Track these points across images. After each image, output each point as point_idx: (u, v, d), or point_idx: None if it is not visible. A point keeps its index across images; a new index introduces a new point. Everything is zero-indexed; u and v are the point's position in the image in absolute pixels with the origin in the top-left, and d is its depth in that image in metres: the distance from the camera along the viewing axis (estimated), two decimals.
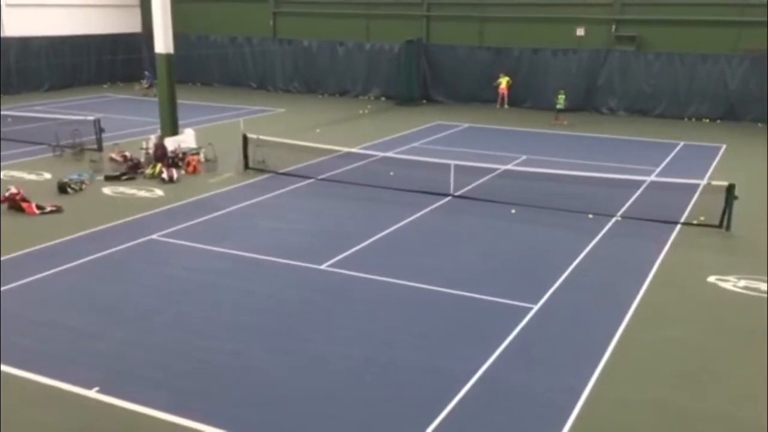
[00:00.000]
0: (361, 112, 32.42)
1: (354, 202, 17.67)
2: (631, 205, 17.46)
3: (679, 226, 15.99)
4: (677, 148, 25.08)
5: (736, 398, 9.18)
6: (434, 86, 35.59)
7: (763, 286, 12.76)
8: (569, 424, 8.47)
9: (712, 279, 13.06)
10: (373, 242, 14.77)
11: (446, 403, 8.81)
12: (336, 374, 9.57)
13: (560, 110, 29.70)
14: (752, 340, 10.81)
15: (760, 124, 30.01)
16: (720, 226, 15.77)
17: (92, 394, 8.95)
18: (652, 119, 31.22)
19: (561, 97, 29.80)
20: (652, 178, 19.36)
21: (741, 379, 9.64)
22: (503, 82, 33.38)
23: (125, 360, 9.86)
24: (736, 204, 15.66)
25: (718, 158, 23.49)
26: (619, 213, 16.82)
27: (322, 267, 13.31)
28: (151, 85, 34.71)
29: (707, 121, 30.85)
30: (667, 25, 31.67)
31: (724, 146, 25.35)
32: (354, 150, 21.85)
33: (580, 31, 33.11)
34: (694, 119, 31.10)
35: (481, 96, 34.17)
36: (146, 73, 36.94)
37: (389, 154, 21.81)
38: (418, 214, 16.68)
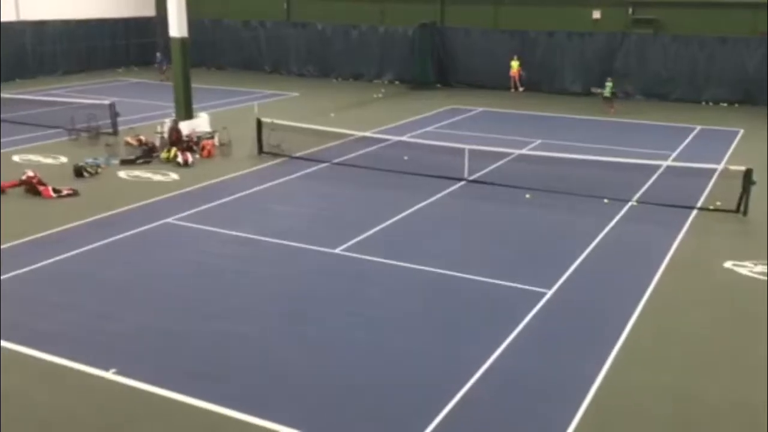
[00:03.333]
0: (375, 96, 32.32)
1: (368, 187, 17.66)
2: (647, 190, 17.34)
3: (695, 211, 15.87)
4: (694, 133, 24.83)
5: (750, 385, 9.13)
6: (449, 70, 35.35)
7: None
8: (582, 409, 8.47)
9: (728, 264, 12.97)
10: (387, 227, 14.77)
11: (458, 390, 8.82)
12: (348, 359, 9.61)
13: (607, 98, 28.64)
14: None
15: None
16: (737, 211, 15.63)
17: (109, 375, 9.05)
18: (669, 103, 30.88)
19: (608, 85, 28.82)
20: (669, 162, 19.20)
21: (756, 366, 9.58)
22: (514, 65, 33.15)
23: (141, 342, 9.95)
24: (753, 189, 15.51)
25: (735, 142, 23.25)
26: (635, 198, 16.71)
27: (337, 251, 13.34)
28: (165, 68, 34.44)
29: (725, 105, 30.50)
30: (685, 7, 31.27)
31: (741, 131, 25.07)
32: (368, 134, 21.81)
33: (597, 14, 32.78)
34: (711, 103, 30.76)
35: (496, 80, 33.91)
36: (157, 54, 36.48)
37: (403, 138, 21.74)
38: (432, 199, 16.65)
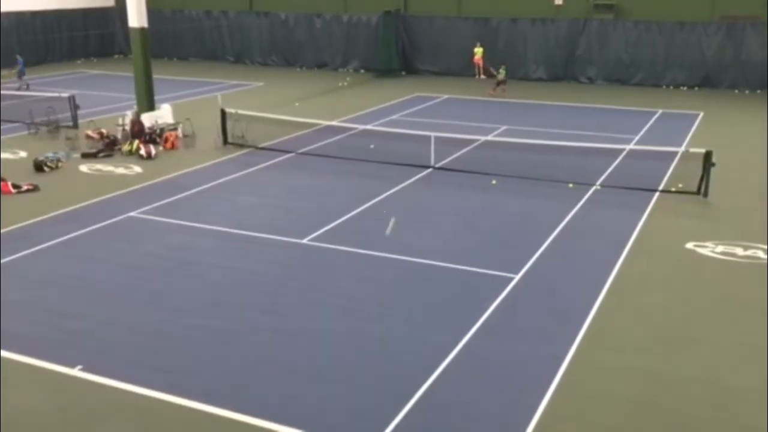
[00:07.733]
0: (340, 84, 32.18)
1: (334, 176, 17.61)
2: (610, 174, 17.57)
3: (657, 194, 16.13)
4: (655, 117, 25.21)
5: (715, 363, 9.34)
6: (413, 58, 35.36)
7: (739, 251, 12.96)
8: (551, 390, 8.58)
9: (690, 245, 13.22)
10: (355, 216, 14.76)
11: (429, 374, 8.88)
12: (319, 349, 9.60)
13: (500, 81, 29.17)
14: (730, 304, 10.99)
15: (736, 90, 30.25)
16: (698, 192, 15.93)
17: (75, 372, 8.93)
18: (631, 88, 31.32)
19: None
20: (631, 146, 19.48)
21: (719, 344, 9.80)
22: (477, 52, 33.23)
23: (108, 339, 9.82)
24: (713, 171, 15.81)
25: (695, 126, 23.66)
26: (599, 182, 16.93)
27: (304, 241, 13.29)
28: (20, 75, 29.84)
29: (685, 88, 31.01)
30: None
31: (701, 114, 25.52)
32: (334, 123, 21.74)
33: (558, 0, 33.00)
34: (671, 87, 31.26)
35: (460, 67, 33.99)
36: (18, 56, 31.12)
37: (369, 126, 21.72)
38: (399, 187, 16.67)
